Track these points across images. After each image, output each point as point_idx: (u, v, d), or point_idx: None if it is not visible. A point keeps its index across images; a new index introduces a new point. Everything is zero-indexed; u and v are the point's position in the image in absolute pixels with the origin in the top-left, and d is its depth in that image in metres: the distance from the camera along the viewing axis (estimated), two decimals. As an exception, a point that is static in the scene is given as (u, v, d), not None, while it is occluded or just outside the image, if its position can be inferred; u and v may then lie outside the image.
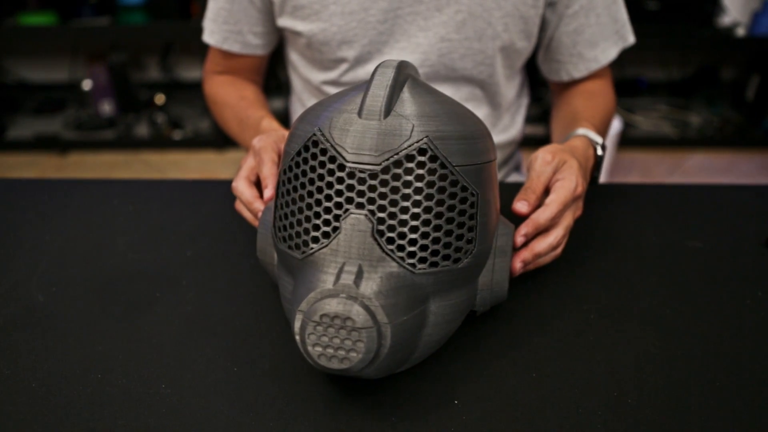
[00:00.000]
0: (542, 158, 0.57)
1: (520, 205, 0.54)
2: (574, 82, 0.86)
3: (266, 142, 0.59)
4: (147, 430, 0.44)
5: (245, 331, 0.53)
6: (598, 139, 0.68)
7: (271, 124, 0.71)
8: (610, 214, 0.72)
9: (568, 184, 0.55)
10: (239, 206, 0.61)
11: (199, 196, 0.76)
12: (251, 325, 0.54)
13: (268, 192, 0.55)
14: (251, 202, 0.57)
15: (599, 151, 0.68)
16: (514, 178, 1.00)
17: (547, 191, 0.57)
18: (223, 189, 0.77)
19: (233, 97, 0.84)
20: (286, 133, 0.63)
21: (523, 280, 0.59)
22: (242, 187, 0.58)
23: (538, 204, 0.55)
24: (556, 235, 0.55)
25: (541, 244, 0.54)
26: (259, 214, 0.56)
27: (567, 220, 0.56)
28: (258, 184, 0.59)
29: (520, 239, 0.52)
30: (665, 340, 0.52)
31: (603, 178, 2.17)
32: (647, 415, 0.45)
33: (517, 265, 0.54)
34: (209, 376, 0.49)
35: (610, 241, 0.66)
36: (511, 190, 0.64)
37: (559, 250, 0.57)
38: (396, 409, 0.46)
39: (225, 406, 0.46)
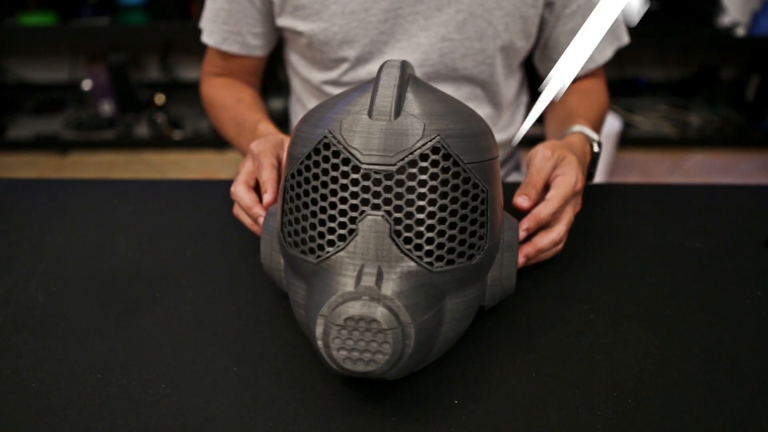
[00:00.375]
0: (542, 154, 0.58)
1: (521, 200, 0.54)
2: (579, 92, 0.86)
3: (265, 146, 0.58)
4: (147, 430, 0.44)
5: (245, 331, 0.53)
6: (595, 136, 0.69)
7: (268, 127, 0.70)
8: (610, 214, 0.72)
9: (568, 179, 0.56)
10: (238, 211, 0.60)
11: (199, 196, 0.76)
12: (251, 325, 0.54)
13: (268, 197, 0.54)
14: (251, 207, 0.56)
15: (596, 148, 0.68)
16: (514, 177, 1.01)
17: (546, 187, 0.57)
18: (223, 189, 0.77)
19: (230, 100, 0.84)
20: (284, 137, 0.62)
21: (522, 280, 0.59)
22: (241, 192, 0.58)
23: (539, 199, 0.56)
24: (558, 231, 0.56)
25: (544, 240, 0.55)
26: (260, 219, 0.56)
27: (568, 216, 0.57)
28: (257, 189, 0.59)
29: (521, 234, 0.53)
30: (665, 340, 0.52)
31: (603, 178, 2.17)
32: (647, 415, 0.45)
33: (520, 260, 0.55)
34: (209, 376, 0.49)
35: (610, 241, 0.66)
36: (511, 190, 0.64)
37: (560, 246, 0.58)
38: (396, 409, 0.46)
39: (225, 406, 0.46)
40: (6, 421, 0.45)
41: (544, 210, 0.54)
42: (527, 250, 0.55)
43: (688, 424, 0.44)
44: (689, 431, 0.44)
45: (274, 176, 0.55)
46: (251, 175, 0.59)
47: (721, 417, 0.45)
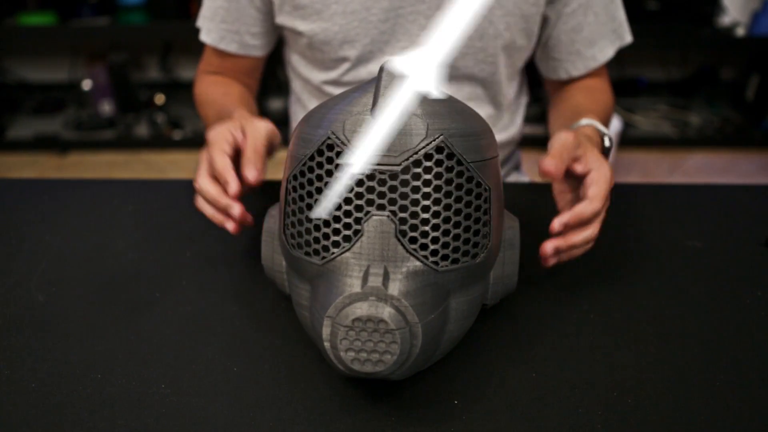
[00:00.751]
0: (564, 137, 0.55)
1: (549, 163, 0.50)
2: (572, 80, 0.86)
3: (218, 132, 0.56)
4: (147, 430, 0.44)
5: (245, 331, 0.53)
6: (605, 130, 0.68)
7: (239, 112, 0.67)
8: (610, 214, 0.72)
9: (604, 175, 0.54)
10: (200, 203, 0.57)
11: (199, 196, 0.76)
12: (251, 325, 0.54)
13: (232, 188, 0.52)
14: (217, 198, 0.54)
15: (606, 143, 0.67)
16: (514, 177, 1.01)
17: (575, 176, 0.55)
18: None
19: (217, 95, 0.82)
20: (246, 116, 0.60)
21: (523, 280, 0.59)
22: (206, 185, 0.55)
23: (563, 168, 0.52)
24: (594, 228, 0.53)
25: (578, 236, 0.53)
26: (232, 210, 0.53)
27: (602, 214, 0.55)
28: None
29: (558, 227, 0.51)
30: (665, 340, 0.52)
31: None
32: (647, 415, 0.45)
33: (548, 249, 0.52)
34: (209, 376, 0.49)
35: (610, 241, 0.66)
36: (512, 189, 0.64)
37: (592, 244, 0.55)
38: (396, 409, 0.46)
39: (225, 406, 0.46)
40: (6, 421, 0.45)
41: (588, 208, 0.52)
42: (558, 242, 0.52)
43: (688, 424, 0.44)
44: (689, 431, 0.44)
45: (226, 164, 0.53)
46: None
47: (721, 417, 0.45)
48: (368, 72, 0.80)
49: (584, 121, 0.68)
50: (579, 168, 0.54)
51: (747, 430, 0.44)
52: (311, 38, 0.79)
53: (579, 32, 0.80)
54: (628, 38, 0.83)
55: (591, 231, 0.53)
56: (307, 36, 0.79)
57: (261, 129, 0.57)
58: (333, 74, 0.82)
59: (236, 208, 0.53)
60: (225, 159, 0.54)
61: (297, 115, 0.97)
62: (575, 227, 0.53)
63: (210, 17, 0.82)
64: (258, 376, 0.49)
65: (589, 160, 0.54)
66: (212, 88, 0.85)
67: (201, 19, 0.83)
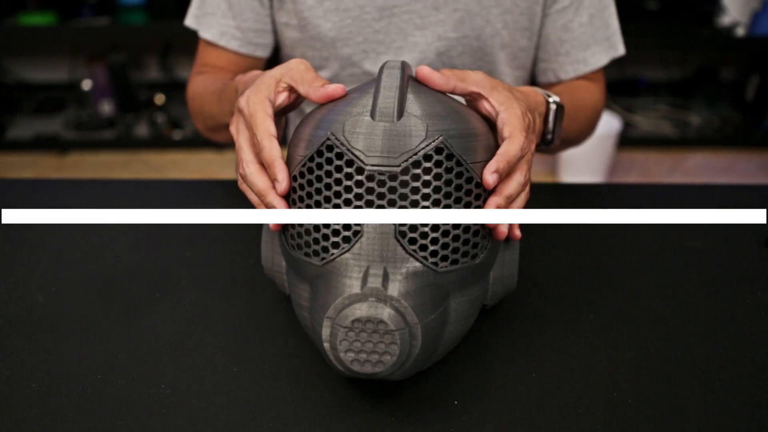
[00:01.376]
0: (477, 75, 0.50)
1: (489, 178, 0.45)
2: (561, 84, 0.83)
3: (255, 101, 0.48)
4: (147, 430, 0.44)
5: (245, 331, 0.53)
6: (553, 96, 0.61)
7: (251, 72, 0.58)
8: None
9: (514, 114, 0.48)
10: (245, 189, 0.51)
11: (199, 196, 0.76)
12: (251, 325, 0.54)
13: (281, 185, 0.45)
14: (265, 194, 0.47)
15: (552, 105, 0.59)
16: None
17: (491, 124, 0.50)
18: (223, 189, 0.77)
19: (210, 80, 0.76)
20: (272, 73, 0.51)
21: (523, 280, 0.59)
22: (254, 176, 0.48)
23: (452, 79, 0.49)
24: (522, 171, 0.47)
25: (510, 186, 0.46)
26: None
27: (527, 155, 0.49)
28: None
29: (492, 177, 0.44)
30: (665, 340, 0.52)
31: (603, 178, 2.17)
32: (647, 415, 0.45)
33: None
34: (209, 376, 0.49)
35: (610, 241, 0.66)
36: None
37: (528, 188, 0.50)
38: (396, 409, 0.46)
39: (225, 406, 0.46)
40: (6, 421, 0.45)
41: (511, 148, 0.45)
42: (497, 201, 0.45)
43: (688, 424, 0.44)
44: (689, 431, 0.44)
45: (274, 154, 0.46)
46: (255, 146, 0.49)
47: (721, 417, 0.45)
48: (363, 72, 0.80)
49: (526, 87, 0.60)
50: (486, 107, 0.50)
51: (747, 430, 0.44)
52: (304, 35, 0.78)
53: (568, 32, 0.78)
54: (621, 50, 0.81)
55: (519, 174, 0.47)
56: (299, 32, 0.78)
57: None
58: (326, 73, 0.81)
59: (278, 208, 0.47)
60: (273, 145, 0.46)
61: (294, 118, 0.96)
62: (507, 173, 0.46)
63: (211, 12, 0.79)
64: (258, 376, 0.49)
65: (494, 101, 0.49)
66: (206, 80, 0.78)
67: (196, 16, 0.80)
